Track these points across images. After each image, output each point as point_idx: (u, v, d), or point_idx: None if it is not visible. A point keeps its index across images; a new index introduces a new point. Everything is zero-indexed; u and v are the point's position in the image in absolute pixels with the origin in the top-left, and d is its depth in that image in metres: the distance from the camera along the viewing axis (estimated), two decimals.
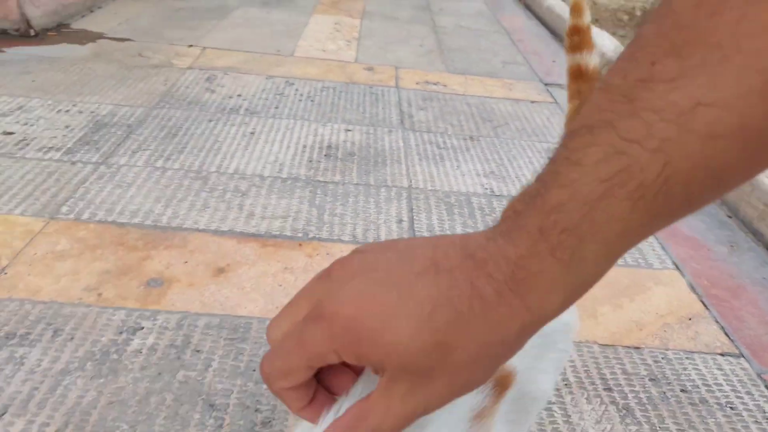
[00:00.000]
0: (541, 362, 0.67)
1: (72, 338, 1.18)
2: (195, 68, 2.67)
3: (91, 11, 3.37)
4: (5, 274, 1.33)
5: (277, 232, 1.58)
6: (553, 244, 0.34)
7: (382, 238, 1.58)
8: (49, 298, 1.28)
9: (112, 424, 1.02)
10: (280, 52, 2.97)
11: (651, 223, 0.34)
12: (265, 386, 1.04)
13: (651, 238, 1.63)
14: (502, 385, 0.61)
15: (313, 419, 0.51)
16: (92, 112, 2.16)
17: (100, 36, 3.00)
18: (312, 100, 2.43)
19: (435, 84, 2.73)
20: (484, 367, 0.38)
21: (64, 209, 1.58)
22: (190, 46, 2.96)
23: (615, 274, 1.51)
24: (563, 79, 0.79)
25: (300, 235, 1.58)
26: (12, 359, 1.12)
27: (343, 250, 1.53)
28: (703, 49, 0.30)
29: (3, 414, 1.02)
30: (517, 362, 0.59)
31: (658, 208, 0.33)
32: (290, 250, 1.51)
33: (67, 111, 2.14)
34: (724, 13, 0.29)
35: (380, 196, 1.77)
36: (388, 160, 1.99)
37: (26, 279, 1.32)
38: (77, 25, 3.12)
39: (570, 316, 0.67)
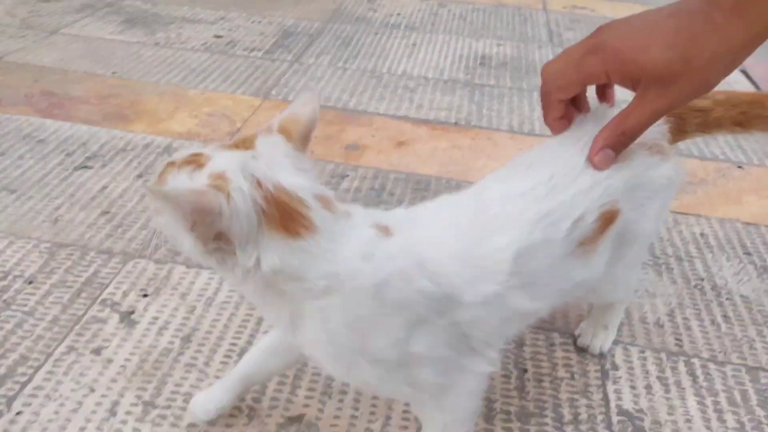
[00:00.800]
0: (644, 208, 0.80)
1: None
2: None
3: None
4: (240, 132, 1.73)
5: (444, 120, 1.85)
6: None
7: (537, 131, 1.80)
8: None
9: None
10: None
11: None
12: None
13: None
14: (608, 220, 0.73)
15: (559, 130, 0.78)
16: (279, 23, 2.53)
17: None
18: (464, 19, 2.64)
19: (582, 8, 2.82)
20: (716, 71, 0.60)
21: (273, 92, 1.96)
22: None
23: (763, 173, 1.64)
24: None
25: (463, 123, 1.85)
26: None
27: (502, 137, 1.78)
28: None
29: None
30: (623, 205, 0.74)
31: None
32: (456, 133, 1.79)
33: (260, 22, 2.53)
34: None
35: (533, 98, 1.98)
36: (539, 69, 2.18)
37: None
38: None
39: (674, 172, 0.81)
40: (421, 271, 0.63)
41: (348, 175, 1.57)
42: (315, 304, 0.63)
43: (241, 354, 1.03)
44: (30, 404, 0.95)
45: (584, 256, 0.73)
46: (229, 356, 1.05)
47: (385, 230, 0.67)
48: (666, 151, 0.77)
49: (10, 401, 0.95)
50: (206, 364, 1.03)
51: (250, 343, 1.07)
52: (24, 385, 0.98)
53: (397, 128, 1.80)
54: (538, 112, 1.95)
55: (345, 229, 0.64)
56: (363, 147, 1.70)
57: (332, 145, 1.69)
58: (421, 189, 1.53)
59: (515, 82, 2.10)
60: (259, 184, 0.60)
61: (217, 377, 0.99)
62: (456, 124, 1.84)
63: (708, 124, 0.83)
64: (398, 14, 2.69)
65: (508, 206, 0.69)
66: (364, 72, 2.13)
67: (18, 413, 0.93)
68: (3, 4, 2.52)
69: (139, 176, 1.50)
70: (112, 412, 0.94)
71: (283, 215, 0.60)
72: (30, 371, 1.00)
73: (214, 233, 0.59)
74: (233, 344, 1.07)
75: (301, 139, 0.68)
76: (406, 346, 0.63)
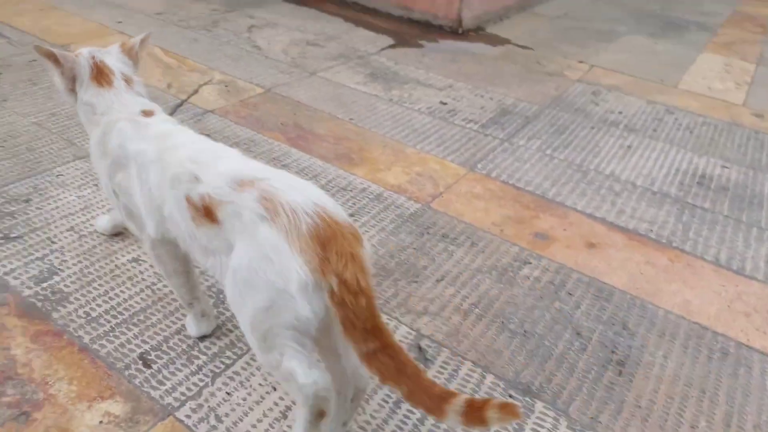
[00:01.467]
0: None
1: (483, 251, 1.64)
2: (583, 81, 3.01)
3: (501, 20, 4.01)
4: (441, 196, 1.88)
5: (643, 233, 1.81)
6: None
7: (748, 270, 1.66)
8: (468, 221, 1.77)
9: (507, 315, 1.43)
10: (664, 81, 3.11)
11: None
12: (623, 340, 1.32)
13: None
14: None
15: None
16: (500, 101, 2.69)
17: (507, 41, 3.58)
18: (690, 132, 2.53)
19: None
20: None
21: (479, 166, 2.09)
22: (581, 62, 3.32)
23: None
24: None
25: (664, 241, 1.78)
26: (446, 250, 1.63)
27: (705, 267, 1.68)
28: None
29: (440, 280, 1.51)
30: None
31: None
32: (654, 250, 1.73)
33: (482, 96, 2.72)
34: None
35: (751, 234, 1.84)
36: (766, 203, 2.01)
37: (454, 204, 1.85)
38: (491, 29, 3.78)
39: None
40: (125, 139, 1.14)
41: (530, 263, 1.62)
42: (95, 127, 1.21)
43: None
44: (228, 384, 1.16)
45: None
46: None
47: (149, 113, 1.20)
48: None
49: (215, 377, 1.17)
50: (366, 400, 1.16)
51: None
52: (228, 367, 1.20)
53: (592, 228, 1.80)
54: (755, 249, 1.80)
55: (128, 98, 1.22)
56: (552, 238, 1.74)
57: (522, 230, 1.76)
58: (602, 298, 1.52)
59: (734, 211, 1.96)
60: (93, 58, 1.23)
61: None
62: (656, 240, 1.78)
63: None
64: (620, 112, 2.67)
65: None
66: (570, 164, 2.17)
67: (218, 389, 1.15)
68: (281, 43, 3.06)
69: (352, 215, 1.73)
70: (284, 415, 1.11)
71: (98, 75, 1.22)
72: (234, 357, 1.22)
73: (71, 77, 1.22)
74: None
75: (129, 52, 1.29)
76: (113, 178, 1.16)
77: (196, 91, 2.37)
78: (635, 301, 1.52)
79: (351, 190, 1.85)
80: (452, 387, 1.22)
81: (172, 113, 2.18)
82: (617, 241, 1.76)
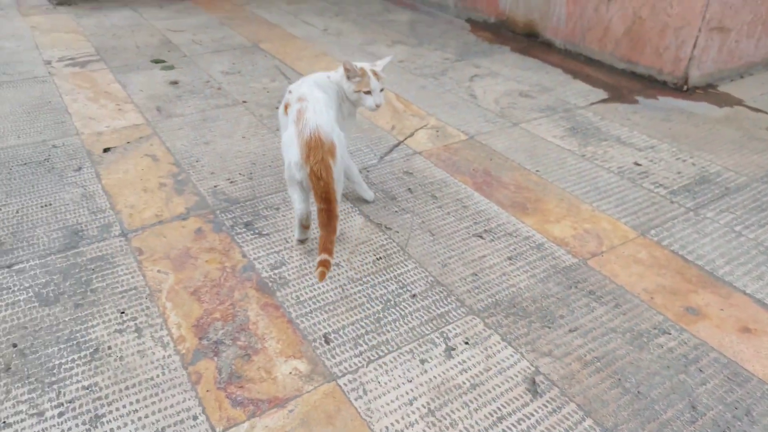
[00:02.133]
0: None
1: (625, 314, 1.77)
2: None
3: (741, 77, 3.76)
4: (602, 255, 2.04)
5: None
6: None
7: None
8: (620, 283, 1.90)
9: (626, 374, 1.56)
10: None
11: None
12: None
13: None
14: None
15: None
16: (703, 167, 2.64)
17: (738, 102, 3.38)
18: None
19: None
20: None
21: (652, 232, 2.17)
22: None
23: None
24: None
25: None
26: (588, 305, 1.81)
27: None
28: None
29: (572, 331, 1.70)
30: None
31: None
32: None
33: (684, 160, 2.70)
34: None
35: None
36: None
37: (612, 264, 1.99)
38: (723, 88, 3.59)
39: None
40: None
41: (669, 334, 1.70)
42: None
43: None
44: (377, 369, 1.56)
45: None
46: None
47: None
48: None
49: (370, 362, 1.59)
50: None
51: None
52: (380, 357, 1.60)
53: (755, 314, 1.78)
54: None
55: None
56: (704, 315, 1.77)
57: (674, 301, 1.83)
58: (734, 382, 1.54)
59: None
60: (374, 72, 2.08)
61: None
62: None
63: None
64: None
65: None
66: (759, 245, 2.10)
67: (370, 371, 1.56)
68: (496, 93, 3.42)
69: (509, 258, 2.00)
70: (410, 403, 1.47)
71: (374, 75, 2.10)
72: (386, 352, 1.62)
73: (362, 87, 2.06)
74: None
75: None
76: None
77: (412, 134, 2.87)
78: (764, 388, 1.51)
79: (515, 236, 2.12)
80: (550, 422, 1.43)
81: (389, 152, 2.70)
82: None
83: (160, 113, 3.02)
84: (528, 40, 4.36)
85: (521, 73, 3.73)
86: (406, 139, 2.83)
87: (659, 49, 3.57)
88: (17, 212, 2.17)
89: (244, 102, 3.19)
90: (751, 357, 1.62)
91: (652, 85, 3.60)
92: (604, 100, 3.36)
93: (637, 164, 2.66)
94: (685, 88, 3.52)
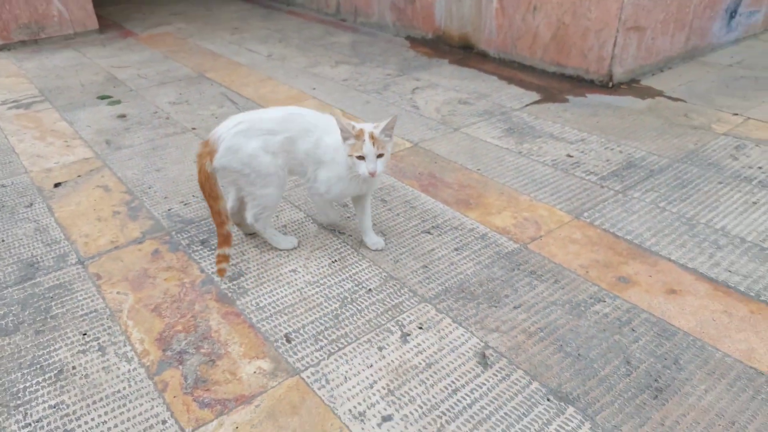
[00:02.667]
0: None
1: (563, 288, 1.92)
2: (729, 135, 3.00)
3: (661, 71, 4.06)
4: (540, 239, 2.19)
5: (732, 285, 1.90)
6: None
7: None
8: (558, 261, 2.05)
9: (567, 340, 1.69)
10: None
11: None
12: (669, 373, 1.51)
13: None
14: None
15: None
16: (629, 153, 2.85)
17: (659, 93, 3.66)
18: None
19: None
20: None
21: (585, 215, 2.34)
22: (735, 114, 3.27)
23: None
24: None
25: (752, 294, 1.85)
26: (530, 284, 1.94)
27: None
28: None
29: (516, 307, 1.83)
30: None
31: None
32: (736, 301, 1.83)
33: (612, 149, 2.91)
34: None
35: None
36: None
37: (550, 246, 2.14)
38: (645, 82, 3.87)
39: None
40: None
41: (604, 301, 1.85)
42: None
43: None
44: (337, 361, 1.65)
45: None
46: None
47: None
48: None
49: (330, 354, 1.67)
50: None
51: None
52: (339, 349, 1.69)
53: (678, 277, 1.95)
54: None
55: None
56: (634, 282, 1.93)
57: (607, 273, 1.98)
58: (663, 337, 1.69)
59: None
60: (371, 135, 1.79)
61: None
62: (744, 292, 1.86)
63: None
64: (759, 167, 2.65)
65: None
66: (680, 217, 2.29)
67: (331, 362, 1.64)
68: (436, 102, 3.59)
69: (456, 249, 2.13)
70: (371, 386, 1.55)
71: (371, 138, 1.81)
72: (344, 344, 1.71)
73: (354, 152, 1.81)
74: None
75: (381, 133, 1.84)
76: None
77: None
78: (696, 342, 1.67)
79: (461, 229, 2.25)
80: (500, 388, 1.55)
81: None
82: (700, 289, 1.88)
83: (109, 146, 3.06)
84: (464, 52, 4.59)
85: (459, 82, 3.93)
86: None
87: (584, 51, 3.83)
88: None
89: (193, 129, 3.26)
90: (677, 314, 1.78)
91: (581, 84, 3.85)
92: (537, 102, 3.57)
93: (569, 156, 2.85)
94: (610, 84, 3.78)
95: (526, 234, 2.22)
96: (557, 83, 3.89)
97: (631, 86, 3.81)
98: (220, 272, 1.94)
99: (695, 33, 4.21)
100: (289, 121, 1.92)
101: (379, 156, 1.80)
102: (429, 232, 2.24)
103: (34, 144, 3.10)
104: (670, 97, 3.58)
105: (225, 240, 1.93)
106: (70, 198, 2.55)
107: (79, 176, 2.74)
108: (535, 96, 3.67)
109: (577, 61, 3.89)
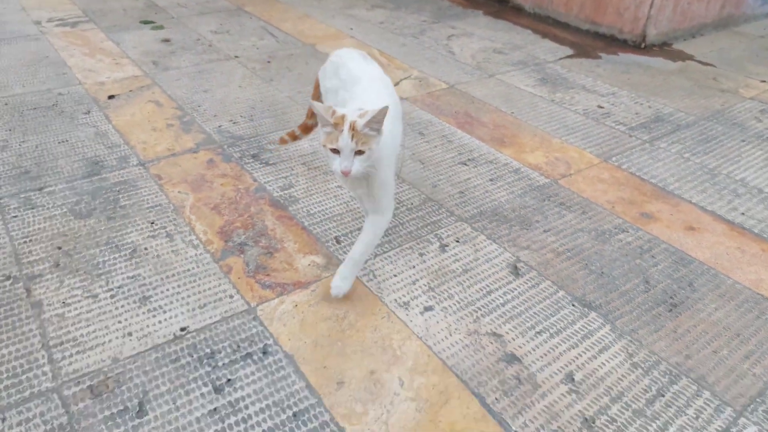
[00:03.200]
0: None
1: (590, 218, 2.07)
2: (756, 100, 3.10)
3: (693, 37, 4.11)
4: (570, 176, 2.33)
5: (748, 227, 2.05)
6: None
7: None
8: (586, 196, 2.20)
9: (592, 260, 1.85)
10: None
11: None
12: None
13: None
14: None
15: None
16: (657, 109, 2.96)
17: (690, 57, 3.73)
18: None
19: None
20: None
21: (614, 159, 2.47)
22: (763, 81, 3.35)
23: None
24: None
25: (765, 236, 2.00)
26: (559, 213, 2.09)
27: None
28: None
29: (546, 231, 1.99)
30: None
31: None
32: (750, 240, 1.98)
33: (641, 104, 3.01)
34: None
35: None
36: None
37: (579, 183, 2.28)
38: (677, 46, 3.93)
39: None
40: None
41: (627, 232, 2.00)
42: None
43: None
44: (383, 261, 1.82)
45: None
46: None
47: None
48: None
49: (376, 255, 1.84)
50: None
51: None
52: (384, 252, 1.85)
53: (698, 217, 2.10)
54: None
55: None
56: (656, 218, 2.08)
57: (632, 209, 2.13)
58: (681, 264, 1.85)
59: None
60: (352, 126, 1.38)
61: None
62: (758, 234, 2.01)
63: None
64: None
65: None
66: (703, 167, 2.42)
67: (377, 262, 1.81)
68: (472, 50, 3.68)
69: (491, 180, 2.27)
70: (414, 282, 1.73)
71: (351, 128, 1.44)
72: (389, 248, 1.88)
73: (328, 142, 1.42)
74: None
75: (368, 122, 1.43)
76: None
77: (397, 84, 3.11)
78: (710, 271, 1.83)
79: (495, 163, 2.39)
80: (530, 293, 1.71)
81: None
82: (717, 229, 2.03)
83: (156, 66, 3.18)
84: (499, 5, 4.62)
85: (494, 33, 4.00)
86: None
87: (620, 10, 3.88)
88: (37, 147, 2.34)
89: (236, 57, 3.37)
90: (694, 247, 1.94)
91: (614, 43, 3.91)
92: (570, 56, 3.65)
93: (600, 107, 2.96)
94: (642, 45, 3.85)
95: (557, 171, 2.36)
96: (590, 41, 3.95)
97: (663, 49, 3.87)
98: (282, 140, 2.28)
99: (730, 2, 4.24)
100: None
101: (360, 153, 1.40)
102: (465, 164, 2.38)
103: (84, 59, 3.22)
104: (700, 62, 3.66)
105: (304, 129, 2.20)
106: (125, 109, 2.69)
107: (131, 91, 2.87)
108: (568, 51, 3.74)
109: (612, 19, 3.95)
